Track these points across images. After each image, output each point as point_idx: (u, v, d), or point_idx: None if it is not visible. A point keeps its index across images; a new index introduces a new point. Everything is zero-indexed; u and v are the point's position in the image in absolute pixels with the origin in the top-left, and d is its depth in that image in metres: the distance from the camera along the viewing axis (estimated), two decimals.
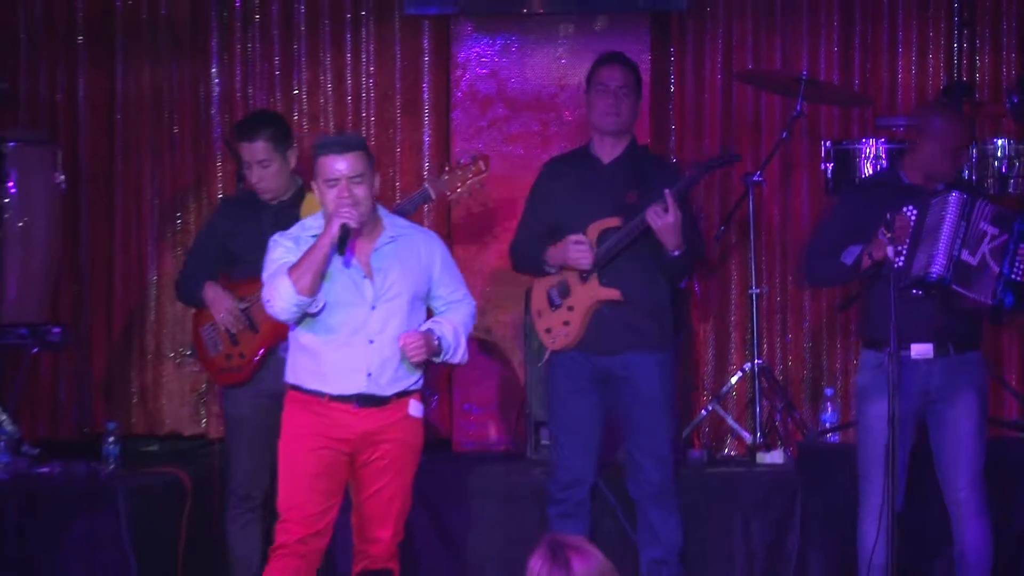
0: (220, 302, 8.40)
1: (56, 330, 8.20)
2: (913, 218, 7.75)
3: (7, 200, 9.62)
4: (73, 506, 8.78)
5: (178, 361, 10.43)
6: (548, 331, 8.40)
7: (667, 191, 7.98)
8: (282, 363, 7.72)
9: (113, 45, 10.49)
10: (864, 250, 7.85)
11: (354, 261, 7.30)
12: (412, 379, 7.40)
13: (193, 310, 8.79)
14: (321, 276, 7.18)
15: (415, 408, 7.41)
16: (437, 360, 7.42)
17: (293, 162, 8.42)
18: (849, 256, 7.92)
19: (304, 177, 8.33)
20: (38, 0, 10.49)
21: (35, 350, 8.45)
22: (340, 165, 7.21)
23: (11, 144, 9.63)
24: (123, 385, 10.48)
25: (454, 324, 7.44)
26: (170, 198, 10.48)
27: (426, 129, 10.32)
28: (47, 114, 10.45)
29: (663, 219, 7.98)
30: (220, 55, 10.43)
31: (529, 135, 9.91)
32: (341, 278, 7.28)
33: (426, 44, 10.31)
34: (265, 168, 8.30)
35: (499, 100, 9.97)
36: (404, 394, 7.37)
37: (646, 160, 8.50)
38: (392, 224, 7.43)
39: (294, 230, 7.38)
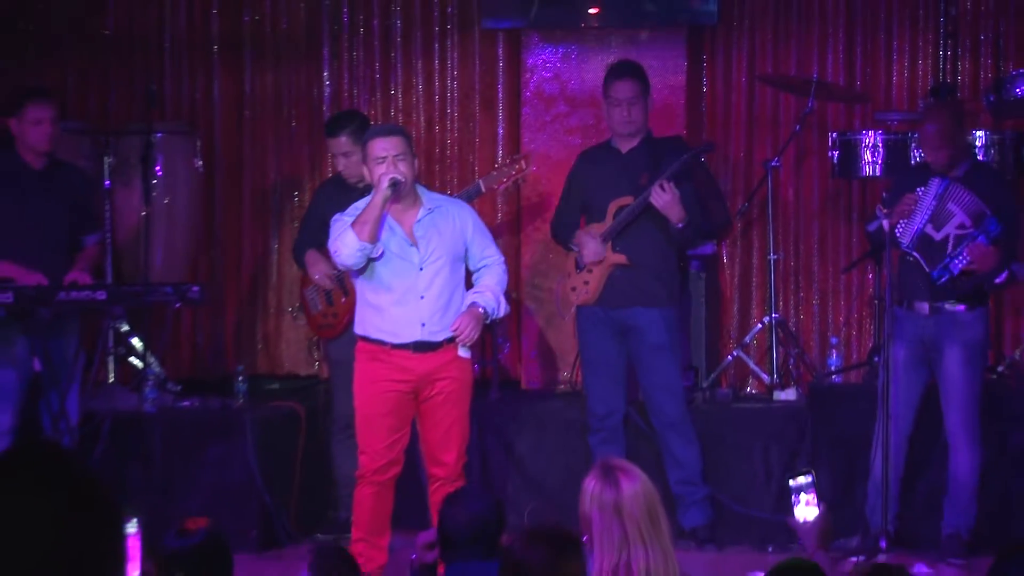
0: (317, 265, 8.50)
1: (195, 289, 8.19)
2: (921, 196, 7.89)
3: (155, 181, 9.68)
4: (208, 433, 8.86)
5: (294, 315, 10.46)
6: (573, 289, 8.57)
7: (660, 180, 8.16)
8: None
9: (242, 54, 10.52)
10: (880, 221, 7.97)
11: (402, 232, 7.43)
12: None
13: (302, 273, 8.87)
14: (378, 226, 7.31)
15: (463, 351, 7.50)
16: (487, 322, 7.58)
17: None
18: (872, 226, 8.08)
19: None
20: (181, 18, 10.52)
21: (177, 305, 8.43)
22: (387, 145, 7.37)
23: (159, 135, 9.71)
24: (249, 334, 10.54)
25: (491, 289, 7.56)
26: (288, 181, 10.51)
27: (500, 123, 10.30)
28: (188, 110, 10.49)
29: (663, 197, 8.14)
30: (331, 61, 10.44)
31: (585, 127, 9.88)
32: (393, 247, 7.42)
33: (500, 52, 10.29)
34: (348, 158, 8.36)
35: (561, 99, 9.94)
36: (454, 339, 7.46)
37: (659, 146, 8.57)
38: (428, 199, 7.60)
39: (349, 210, 7.51)
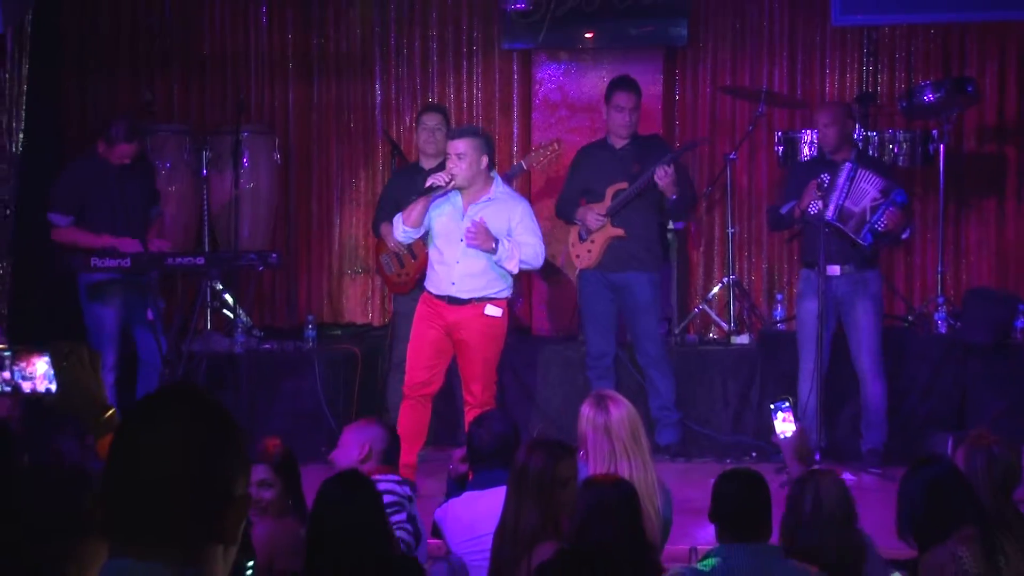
0: (391, 235, 8.47)
1: (274, 255, 8.21)
2: (827, 181, 7.87)
3: (242, 171, 9.68)
4: (285, 370, 8.88)
5: (352, 276, 10.47)
6: (578, 256, 8.58)
7: (662, 164, 8.16)
8: None
9: (311, 69, 10.50)
10: (796, 204, 8.01)
11: (460, 208, 7.48)
12: (491, 290, 7.51)
13: (377, 243, 8.87)
14: (421, 216, 7.44)
15: (491, 310, 7.51)
16: (494, 258, 7.45)
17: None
18: (785, 208, 8.14)
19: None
20: (263, 41, 10.52)
21: (260, 268, 8.46)
22: (453, 145, 7.41)
23: (245, 134, 9.72)
24: (317, 291, 10.54)
25: (518, 245, 7.48)
26: (347, 170, 10.49)
27: (515, 124, 10.29)
28: (268, 115, 10.48)
29: (665, 178, 8.17)
30: (381, 76, 10.42)
31: (583, 128, 9.85)
32: (448, 220, 7.48)
33: (515, 68, 10.27)
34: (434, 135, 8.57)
35: (563, 105, 9.92)
36: (482, 299, 7.44)
37: (644, 142, 8.58)
38: (496, 190, 7.52)
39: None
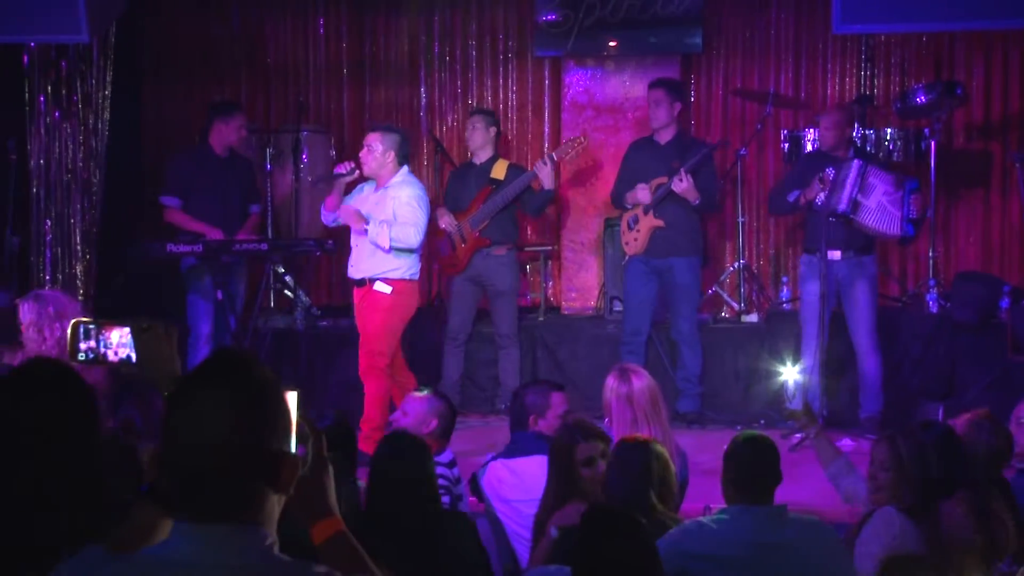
0: (444, 218, 8.46)
1: (330, 242, 8.15)
2: (832, 175, 7.73)
3: (302, 166, 9.65)
4: (339, 343, 8.85)
5: None
6: (627, 244, 8.49)
7: (682, 169, 8.09)
8: (485, 260, 8.30)
9: (363, 75, 10.48)
10: (801, 193, 7.90)
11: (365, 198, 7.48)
12: (379, 270, 7.38)
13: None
14: (336, 199, 7.46)
15: (379, 286, 7.37)
16: (366, 237, 7.36)
17: (491, 133, 8.64)
18: (791, 196, 8.02)
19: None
20: (320, 50, 10.50)
21: (318, 253, 8.40)
22: (366, 137, 7.46)
23: (304, 133, 9.72)
24: None
25: (392, 227, 7.31)
26: None
27: (546, 124, 10.25)
28: (325, 116, 10.45)
29: (679, 186, 8.12)
30: (426, 80, 10.38)
31: (607, 127, 9.78)
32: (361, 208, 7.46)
33: (547, 73, 10.22)
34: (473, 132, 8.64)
35: (589, 106, 9.83)
36: (372, 280, 7.38)
37: (687, 141, 8.53)
38: (395, 180, 7.41)
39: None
